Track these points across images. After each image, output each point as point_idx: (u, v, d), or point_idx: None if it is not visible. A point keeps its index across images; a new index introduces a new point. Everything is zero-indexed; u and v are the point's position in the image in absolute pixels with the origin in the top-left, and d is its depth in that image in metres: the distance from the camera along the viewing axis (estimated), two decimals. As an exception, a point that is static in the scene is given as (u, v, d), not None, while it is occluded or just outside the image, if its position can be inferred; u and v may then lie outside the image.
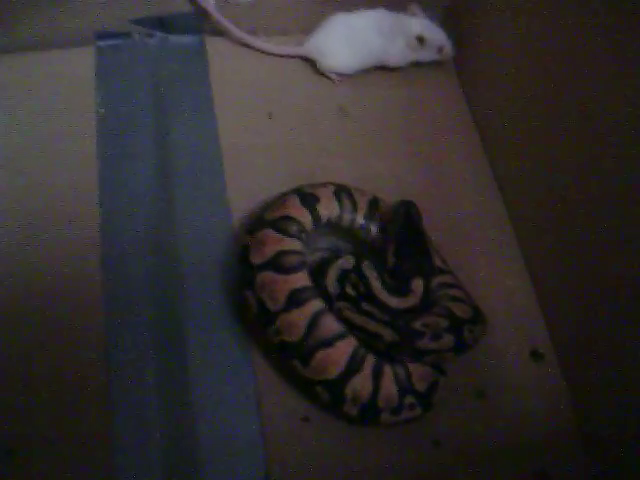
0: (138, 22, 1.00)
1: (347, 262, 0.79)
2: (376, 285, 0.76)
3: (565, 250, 0.84)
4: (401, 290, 0.77)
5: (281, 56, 1.04)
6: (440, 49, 1.03)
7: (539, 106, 0.88)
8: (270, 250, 0.76)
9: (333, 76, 1.04)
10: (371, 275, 0.77)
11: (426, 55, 1.04)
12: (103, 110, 0.93)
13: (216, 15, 1.00)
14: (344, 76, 1.04)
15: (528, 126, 0.91)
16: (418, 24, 1.01)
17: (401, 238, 0.79)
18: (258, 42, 1.03)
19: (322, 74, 1.04)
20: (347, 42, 1.01)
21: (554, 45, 0.84)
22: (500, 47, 0.98)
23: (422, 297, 0.77)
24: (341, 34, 1.01)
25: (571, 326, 0.84)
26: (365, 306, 0.75)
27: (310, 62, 1.04)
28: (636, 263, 0.72)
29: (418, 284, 0.77)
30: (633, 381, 0.74)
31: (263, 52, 1.04)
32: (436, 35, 1.02)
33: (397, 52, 1.02)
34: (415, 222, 0.80)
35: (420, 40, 1.01)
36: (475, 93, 1.05)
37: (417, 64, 1.05)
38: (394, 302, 0.76)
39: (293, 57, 1.05)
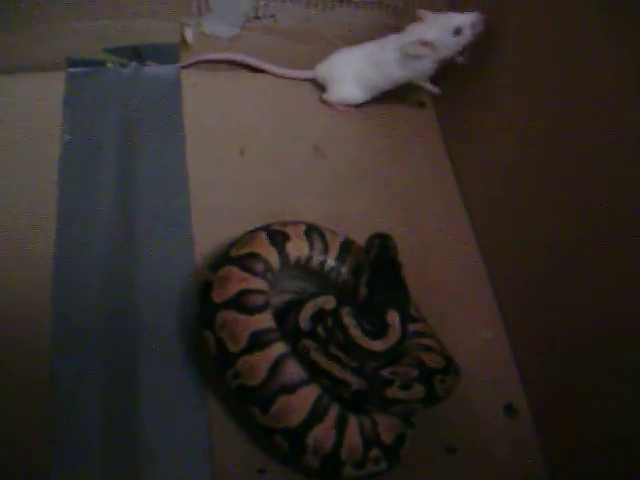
0: (112, 51, 0.98)
1: (327, 302, 0.75)
2: (356, 333, 0.72)
3: (541, 303, 0.82)
4: (379, 329, 0.73)
5: (291, 79, 1.06)
6: (457, 31, 0.93)
7: (517, 159, 0.87)
8: (233, 288, 0.72)
9: (340, 107, 1.04)
10: (350, 323, 0.73)
11: (446, 49, 0.95)
12: (68, 137, 0.90)
13: (211, 56, 1.02)
14: (351, 107, 1.05)
15: (506, 177, 0.90)
16: (410, 32, 0.96)
17: (375, 269, 0.75)
18: (266, 65, 1.05)
19: (329, 104, 1.05)
20: (351, 75, 1.01)
21: (534, 99, 0.84)
22: (480, 96, 0.97)
23: (402, 330, 0.73)
24: (345, 67, 1.01)
25: (546, 381, 0.82)
26: (333, 350, 0.71)
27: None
28: (612, 317, 0.71)
29: (394, 317, 0.73)
30: (607, 439, 0.72)
31: (273, 74, 1.05)
32: (443, 23, 0.93)
33: (397, 71, 0.99)
34: (390, 253, 0.77)
35: (425, 43, 0.94)
36: (454, 139, 1.04)
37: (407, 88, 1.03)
38: (378, 346, 0.72)
39: (302, 80, 1.06)
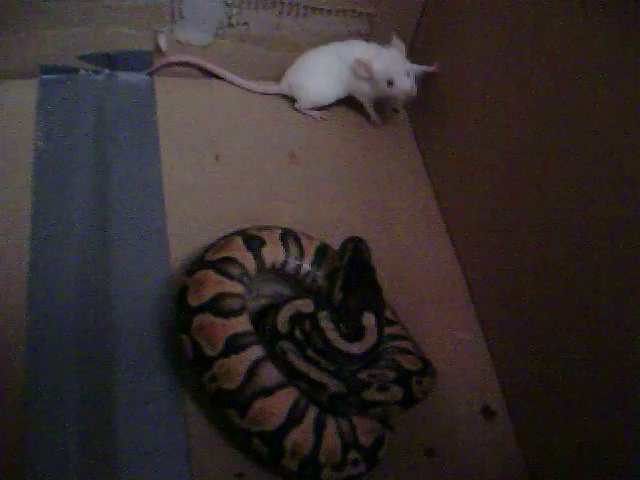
0: (86, 58, 0.98)
1: (305, 306, 0.75)
2: (333, 336, 0.72)
3: (517, 303, 0.82)
4: (355, 332, 0.72)
5: (261, 93, 1.05)
6: (389, 82, 0.96)
7: (490, 162, 0.88)
8: (209, 292, 0.72)
9: (314, 113, 1.04)
10: (327, 326, 0.72)
11: (379, 87, 0.98)
12: (41, 143, 0.89)
13: (181, 58, 1.01)
14: (325, 114, 1.05)
15: (481, 182, 0.90)
16: (359, 48, 0.99)
17: (349, 272, 0.75)
18: (236, 78, 1.04)
19: (302, 112, 1.05)
20: (318, 73, 1.01)
21: (509, 112, 0.84)
22: (452, 102, 0.98)
23: (378, 332, 0.72)
24: (311, 67, 1.02)
25: (523, 382, 0.82)
26: (311, 353, 0.71)
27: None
28: (590, 317, 0.70)
29: (369, 319, 0.72)
30: (585, 441, 0.71)
31: (240, 87, 1.05)
32: (382, 66, 0.96)
33: (347, 81, 1.01)
34: (364, 257, 0.77)
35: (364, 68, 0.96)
36: (428, 144, 1.05)
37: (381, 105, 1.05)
38: (355, 348, 0.71)
39: (270, 95, 1.06)
